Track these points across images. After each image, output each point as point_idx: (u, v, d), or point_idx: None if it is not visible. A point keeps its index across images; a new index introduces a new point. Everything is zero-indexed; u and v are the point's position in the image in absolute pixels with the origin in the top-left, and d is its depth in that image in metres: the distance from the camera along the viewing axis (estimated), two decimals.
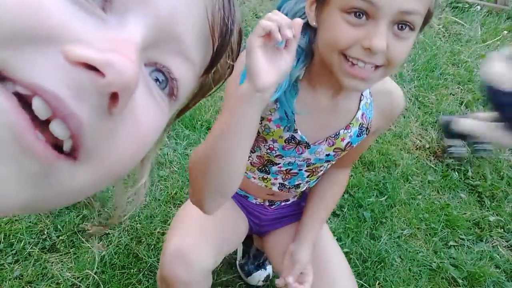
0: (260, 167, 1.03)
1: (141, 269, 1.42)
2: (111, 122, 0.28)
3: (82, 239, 1.46)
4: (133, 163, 0.33)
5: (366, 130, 0.96)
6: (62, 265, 1.39)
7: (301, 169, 1.02)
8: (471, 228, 1.81)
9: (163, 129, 0.35)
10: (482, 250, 1.72)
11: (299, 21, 0.63)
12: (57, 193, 0.28)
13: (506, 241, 1.80)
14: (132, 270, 1.41)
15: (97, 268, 1.39)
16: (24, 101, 0.24)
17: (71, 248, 1.43)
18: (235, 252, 1.53)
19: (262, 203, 1.16)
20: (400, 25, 0.68)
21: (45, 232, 1.45)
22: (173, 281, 0.94)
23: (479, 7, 3.46)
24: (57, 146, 0.26)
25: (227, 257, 1.52)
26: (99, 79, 0.25)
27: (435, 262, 1.64)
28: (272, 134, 0.92)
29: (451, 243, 1.74)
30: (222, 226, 1.06)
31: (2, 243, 1.40)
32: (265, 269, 1.47)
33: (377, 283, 1.54)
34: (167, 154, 1.81)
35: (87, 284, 1.35)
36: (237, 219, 1.17)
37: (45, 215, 1.49)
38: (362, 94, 0.92)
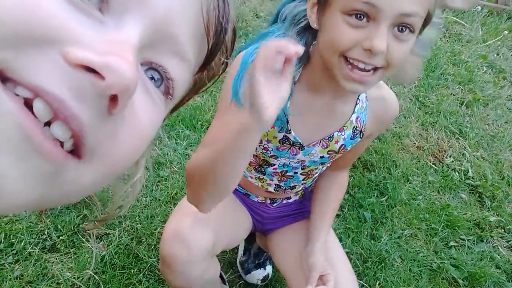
0: (256, 167, 1.04)
1: (141, 269, 1.42)
2: (112, 121, 0.28)
3: (83, 239, 1.46)
4: (134, 160, 0.34)
5: (360, 134, 0.97)
6: (63, 265, 1.39)
7: (297, 172, 1.03)
8: (471, 229, 1.81)
9: (160, 125, 0.36)
10: (482, 251, 1.72)
11: (293, 48, 0.59)
12: (65, 191, 0.29)
13: (506, 241, 1.80)
14: (132, 270, 1.41)
15: (97, 268, 1.39)
16: (25, 103, 0.25)
17: (71, 248, 1.43)
18: (236, 252, 1.53)
19: (263, 201, 1.17)
20: (400, 27, 0.70)
21: (46, 232, 1.45)
22: (172, 260, 0.96)
23: (479, 7, 3.46)
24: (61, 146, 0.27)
25: (228, 257, 1.52)
26: (99, 82, 0.25)
27: (435, 263, 1.64)
28: (267, 134, 0.93)
29: (452, 243, 1.74)
30: (222, 214, 1.06)
31: (3, 243, 1.40)
32: (265, 269, 1.47)
33: (378, 283, 1.54)
34: (168, 154, 1.81)
35: (88, 284, 1.35)
36: (239, 213, 1.17)
37: (45, 215, 1.49)
38: (358, 98, 0.93)
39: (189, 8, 0.34)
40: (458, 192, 1.98)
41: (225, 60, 0.43)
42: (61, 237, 1.45)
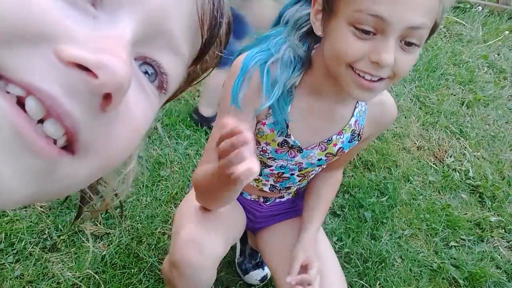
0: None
1: (141, 269, 1.42)
2: (106, 118, 0.28)
3: (83, 239, 1.46)
4: (128, 154, 0.34)
5: (358, 137, 0.97)
6: (63, 264, 1.39)
7: (293, 174, 1.03)
8: (472, 229, 1.81)
9: (153, 119, 0.36)
10: (483, 251, 1.72)
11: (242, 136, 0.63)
12: (60, 185, 0.29)
13: (507, 241, 1.80)
14: (132, 270, 1.41)
15: (97, 267, 1.39)
16: (18, 101, 0.25)
17: (72, 248, 1.43)
18: (235, 251, 1.53)
19: (256, 199, 1.17)
20: (407, 42, 0.69)
21: (46, 232, 1.45)
22: (184, 265, 0.94)
23: (480, 8, 3.46)
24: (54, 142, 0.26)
25: (228, 257, 1.52)
26: (92, 80, 0.25)
27: (436, 263, 1.64)
28: (266, 137, 0.93)
29: (452, 243, 1.73)
30: (226, 217, 1.07)
31: (3, 242, 1.40)
32: (263, 269, 1.47)
33: (378, 283, 1.54)
34: (168, 154, 1.81)
35: (88, 284, 1.35)
36: (237, 212, 1.17)
37: (46, 215, 1.49)
38: (357, 102, 0.93)
39: (184, 2, 0.34)
40: (459, 192, 1.98)
41: (219, 54, 0.42)
42: (61, 237, 1.45)
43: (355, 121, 0.94)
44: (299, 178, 1.05)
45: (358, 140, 0.98)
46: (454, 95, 2.58)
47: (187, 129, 1.94)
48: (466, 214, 1.87)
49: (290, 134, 0.91)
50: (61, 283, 1.34)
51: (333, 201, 1.77)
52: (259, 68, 0.83)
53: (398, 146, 2.15)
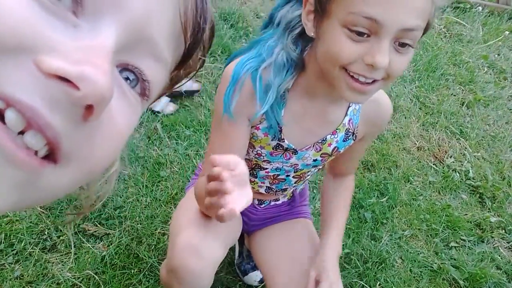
0: (248, 170, 1.04)
1: (141, 270, 1.42)
2: (88, 127, 0.28)
3: (83, 240, 1.46)
4: (111, 161, 0.33)
5: (353, 136, 0.97)
6: (63, 265, 1.39)
7: (289, 175, 1.03)
8: (472, 229, 1.81)
9: (136, 125, 0.36)
10: (483, 251, 1.72)
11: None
12: (42, 194, 0.29)
13: (507, 242, 1.80)
14: (132, 271, 1.41)
15: (97, 268, 1.39)
16: None
17: (71, 248, 1.43)
18: (235, 252, 1.53)
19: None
20: (401, 43, 0.68)
21: (46, 233, 1.45)
22: (183, 271, 0.93)
23: (480, 8, 3.45)
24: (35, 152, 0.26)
25: (228, 257, 1.52)
26: (74, 92, 0.25)
27: (436, 263, 1.64)
28: (260, 141, 0.93)
29: (452, 244, 1.73)
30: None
31: (3, 243, 1.40)
32: None
33: (378, 284, 1.54)
34: (168, 154, 1.81)
35: (88, 284, 1.35)
36: None
37: (45, 215, 1.49)
38: None
39: (166, 9, 0.33)
40: (459, 192, 1.97)
41: (202, 57, 0.42)
42: (61, 237, 1.45)
43: (349, 120, 0.94)
44: (295, 179, 1.05)
45: (354, 140, 0.98)
46: (454, 95, 2.57)
47: (187, 129, 1.94)
48: (466, 214, 1.87)
49: (283, 138, 0.91)
50: (61, 283, 1.34)
51: None
52: (251, 75, 0.82)
53: (398, 146, 2.15)
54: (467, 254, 1.70)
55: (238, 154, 0.91)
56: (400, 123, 2.28)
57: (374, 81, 0.72)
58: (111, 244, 1.46)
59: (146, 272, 1.41)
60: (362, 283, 1.52)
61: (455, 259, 1.67)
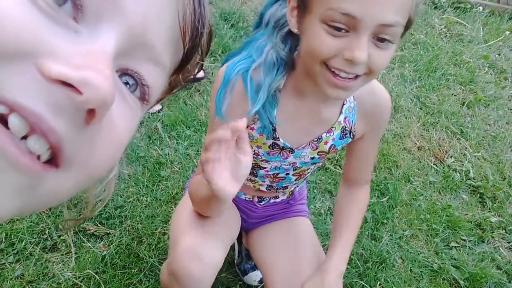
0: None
1: (142, 269, 1.42)
2: (89, 131, 0.28)
3: (83, 239, 1.46)
4: (112, 164, 0.34)
5: (350, 134, 0.96)
6: (63, 264, 1.39)
7: (288, 173, 1.03)
8: (472, 229, 1.81)
9: (136, 129, 0.36)
10: (483, 251, 1.72)
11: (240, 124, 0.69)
12: (45, 199, 0.29)
13: (507, 242, 1.80)
14: (133, 270, 1.41)
15: (98, 267, 1.39)
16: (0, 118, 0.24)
17: (72, 248, 1.43)
18: (235, 252, 1.53)
19: (251, 199, 1.17)
20: (380, 38, 0.69)
21: (46, 232, 1.45)
22: (184, 276, 0.94)
23: (481, 8, 3.45)
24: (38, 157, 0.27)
25: (228, 257, 1.52)
26: (76, 97, 0.25)
27: (436, 263, 1.64)
28: (256, 141, 0.94)
29: (453, 244, 1.73)
30: (222, 219, 1.06)
31: (4, 242, 1.40)
32: None
33: (378, 283, 1.54)
34: (168, 154, 1.81)
35: (88, 284, 1.35)
36: (231, 210, 1.17)
37: (46, 215, 1.49)
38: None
39: (165, 14, 0.34)
40: (459, 192, 1.97)
41: (200, 61, 0.42)
42: (62, 237, 1.45)
43: (345, 118, 0.93)
44: (295, 177, 1.05)
45: (352, 138, 0.97)
46: (455, 95, 2.57)
47: (188, 129, 1.94)
48: (466, 214, 1.87)
49: (278, 137, 0.91)
50: (61, 283, 1.34)
51: (333, 201, 1.77)
52: (241, 76, 0.83)
53: (399, 146, 2.15)
54: (467, 254, 1.70)
55: None
56: (401, 123, 2.28)
57: (356, 76, 0.72)
58: (112, 243, 1.46)
59: (146, 272, 1.41)
60: (363, 283, 1.52)
61: (455, 259, 1.67)
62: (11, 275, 1.33)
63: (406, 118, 2.32)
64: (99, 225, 1.51)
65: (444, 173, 2.05)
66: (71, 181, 0.30)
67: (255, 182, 1.08)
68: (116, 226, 1.52)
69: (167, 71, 0.37)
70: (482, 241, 1.77)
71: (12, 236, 1.42)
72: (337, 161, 1.97)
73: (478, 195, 1.98)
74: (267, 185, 1.08)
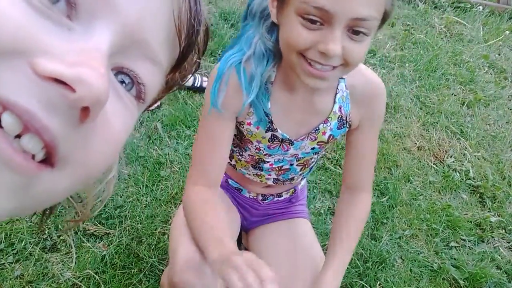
0: (253, 164, 1.05)
1: (142, 269, 1.42)
2: (84, 130, 0.28)
3: (83, 239, 1.46)
4: (108, 164, 0.33)
5: (346, 123, 0.96)
6: (63, 265, 1.39)
7: (293, 164, 1.04)
8: (472, 229, 1.81)
9: (133, 128, 0.36)
10: (483, 251, 1.72)
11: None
12: (40, 199, 0.29)
13: (507, 242, 1.80)
14: (133, 270, 1.41)
15: (98, 268, 1.39)
16: None
17: (72, 248, 1.43)
18: None
19: (255, 197, 1.17)
20: (355, 31, 0.69)
21: (46, 232, 1.45)
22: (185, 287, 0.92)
23: (481, 7, 3.45)
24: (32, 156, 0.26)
25: None
26: (70, 94, 0.25)
27: (436, 263, 1.64)
28: (255, 135, 0.95)
29: (452, 244, 1.73)
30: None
31: (3, 242, 1.40)
32: None
33: (378, 283, 1.54)
34: (168, 154, 1.81)
35: (88, 284, 1.35)
36: (231, 211, 1.17)
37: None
38: (337, 88, 0.92)
39: (161, 12, 0.33)
40: (459, 192, 1.97)
41: (197, 60, 0.42)
42: (61, 237, 1.45)
43: (339, 107, 0.93)
44: (300, 167, 1.06)
45: (348, 128, 0.97)
46: (455, 95, 2.57)
47: (188, 129, 1.94)
48: (466, 214, 1.87)
49: (276, 128, 0.92)
50: (61, 283, 1.34)
51: (333, 201, 1.77)
52: (235, 69, 0.85)
53: (399, 146, 2.15)
54: (467, 254, 1.70)
55: (222, 148, 0.92)
56: (401, 123, 2.28)
57: (333, 68, 0.73)
58: (111, 243, 1.46)
59: (146, 272, 1.41)
60: (362, 283, 1.52)
61: (455, 259, 1.67)
62: (10, 275, 1.33)
63: (406, 118, 2.32)
64: (98, 225, 1.51)
65: (444, 173, 2.05)
66: (67, 181, 0.29)
67: (262, 177, 1.08)
68: (116, 226, 1.52)
69: (163, 70, 0.36)
70: (482, 241, 1.77)
71: (12, 236, 1.42)
72: (337, 161, 1.97)
73: (478, 195, 1.98)
74: (273, 178, 1.08)
